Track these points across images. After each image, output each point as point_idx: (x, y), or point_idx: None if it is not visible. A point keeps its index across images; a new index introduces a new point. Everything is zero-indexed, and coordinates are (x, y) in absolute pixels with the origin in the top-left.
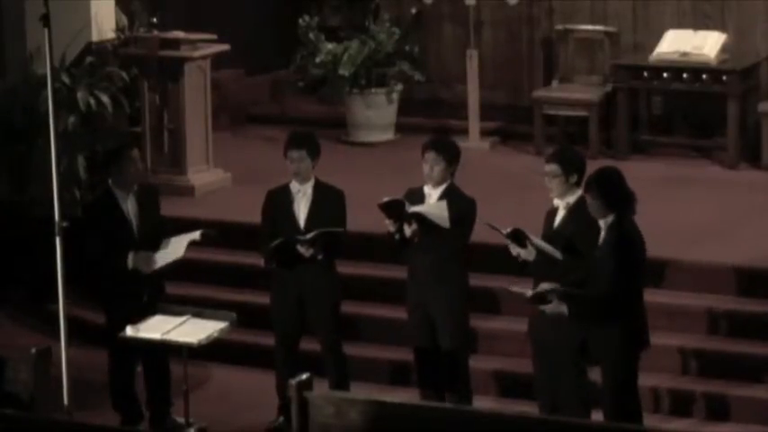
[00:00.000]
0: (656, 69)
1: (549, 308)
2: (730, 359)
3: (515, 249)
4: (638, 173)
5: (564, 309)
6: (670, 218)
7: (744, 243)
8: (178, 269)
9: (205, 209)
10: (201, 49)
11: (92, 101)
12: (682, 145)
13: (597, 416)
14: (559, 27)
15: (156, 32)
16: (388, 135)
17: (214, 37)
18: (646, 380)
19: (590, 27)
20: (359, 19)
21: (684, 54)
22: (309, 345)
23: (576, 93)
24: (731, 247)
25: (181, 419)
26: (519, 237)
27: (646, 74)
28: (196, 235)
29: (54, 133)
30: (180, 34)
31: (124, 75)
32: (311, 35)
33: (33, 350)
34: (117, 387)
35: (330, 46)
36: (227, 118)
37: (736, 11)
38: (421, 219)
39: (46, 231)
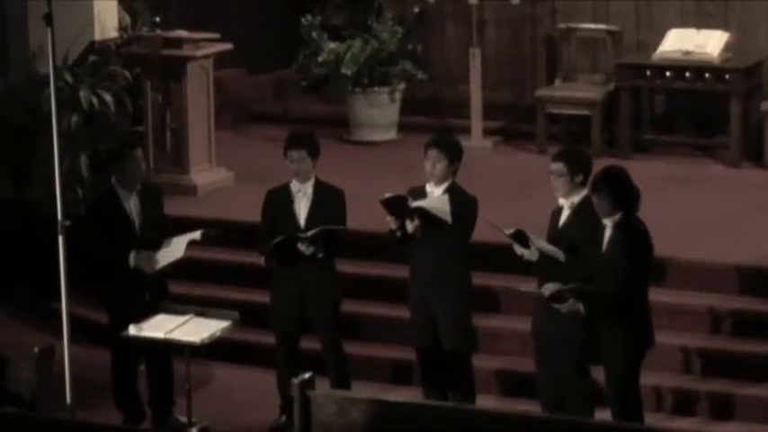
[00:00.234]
0: (659, 68)
1: (564, 306)
2: (733, 358)
3: (519, 249)
4: (640, 172)
5: (580, 307)
6: (672, 217)
7: (746, 242)
8: (181, 268)
9: (208, 208)
10: (204, 48)
11: (94, 100)
12: (684, 144)
13: (599, 414)
14: (562, 26)
15: (158, 31)
16: (391, 134)
17: (217, 36)
18: (648, 379)
19: (593, 26)
20: (362, 18)
21: (687, 53)
22: (310, 343)
23: (579, 92)
24: (734, 246)
25: (183, 418)
26: (522, 237)
27: (648, 73)
28: (197, 235)
29: (57, 132)
30: (183, 33)
31: (127, 74)
32: (314, 34)
33: (36, 349)
34: (119, 386)
35: (333, 45)
36: (229, 117)
37: (740, 10)
38: (423, 214)
39: (49, 230)
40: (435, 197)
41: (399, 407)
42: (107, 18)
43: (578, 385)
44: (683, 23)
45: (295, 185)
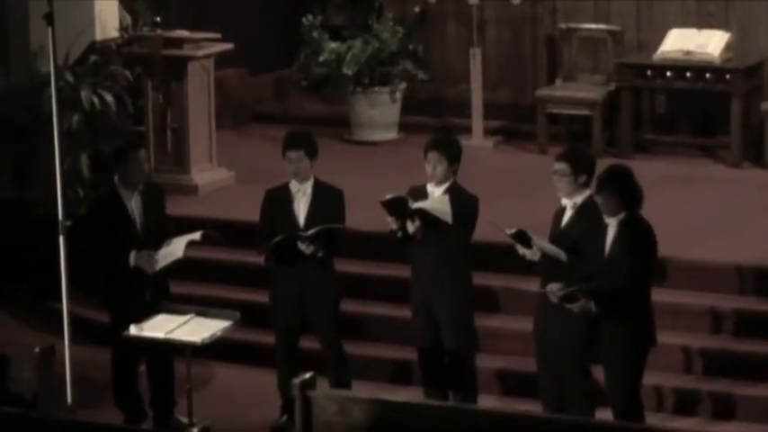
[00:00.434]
0: (660, 68)
1: (576, 306)
2: (734, 358)
3: (521, 249)
4: (641, 171)
5: (592, 306)
6: (673, 216)
7: (747, 241)
8: (182, 268)
9: (208, 208)
10: (205, 48)
11: (95, 100)
12: (685, 144)
13: (600, 414)
14: (563, 26)
15: (159, 31)
16: (392, 134)
17: (218, 36)
18: (649, 379)
19: (593, 26)
20: (362, 18)
21: (688, 53)
22: (310, 343)
23: (580, 91)
24: (734, 246)
25: (184, 419)
26: (523, 237)
27: (649, 73)
28: (196, 236)
29: (58, 132)
30: (183, 33)
31: (128, 74)
32: (315, 34)
33: (37, 349)
34: (120, 385)
35: (334, 45)
36: (230, 117)
37: (740, 9)
38: (424, 214)
39: (49, 230)
40: (436, 198)
41: (400, 407)
42: (108, 18)
43: (580, 385)
44: (684, 23)
45: (294, 185)
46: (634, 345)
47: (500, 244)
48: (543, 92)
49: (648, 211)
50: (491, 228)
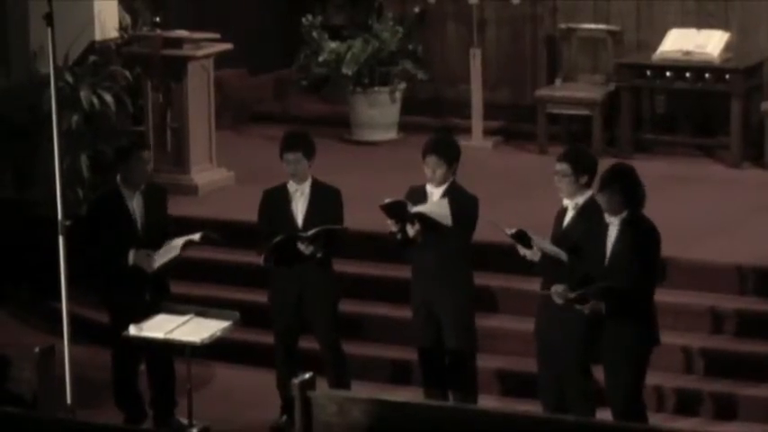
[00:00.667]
0: (660, 68)
1: (587, 307)
2: (735, 358)
3: (522, 250)
4: (641, 172)
5: (602, 307)
6: (673, 216)
7: (747, 241)
8: (181, 268)
9: (208, 208)
10: (205, 47)
11: (95, 100)
12: (685, 144)
13: (600, 415)
14: (563, 26)
15: (159, 31)
16: (392, 134)
17: (217, 36)
18: (650, 379)
19: (593, 26)
20: (362, 18)
21: (687, 53)
22: (309, 343)
23: (580, 92)
24: (734, 246)
25: (184, 419)
26: (523, 237)
27: (649, 73)
28: (196, 236)
29: (57, 132)
30: (183, 33)
31: (127, 74)
32: (314, 34)
33: (37, 349)
34: (120, 386)
35: (333, 45)
36: (230, 117)
37: (740, 9)
38: (423, 218)
39: (49, 230)
40: (435, 202)
41: (400, 407)
42: (107, 18)
43: (581, 385)
44: (684, 23)
45: (292, 185)
46: (637, 345)
47: (500, 244)
48: (543, 92)
49: (648, 211)
50: (491, 227)
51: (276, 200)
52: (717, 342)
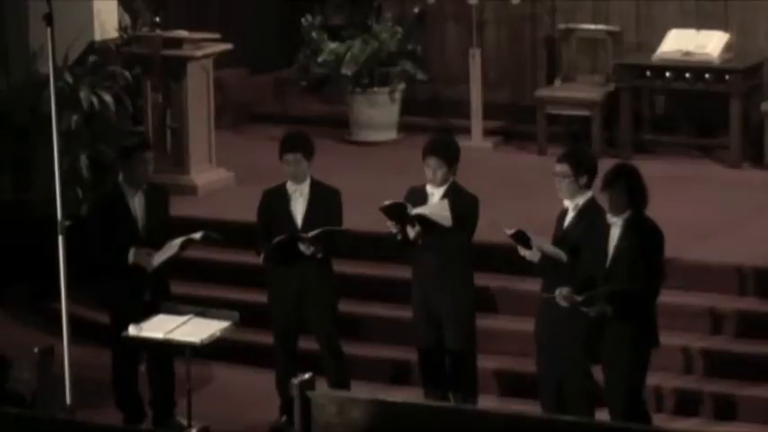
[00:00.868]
0: (659, 68)
1: (593, 309)
2: (735, 359)
3: (522, 250)
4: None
5: (608, 309)
6: (673, 217)
7: (747, 242)
8: (181, 268)
9: (208, 208)
10: (204, 48)
11: (94, 100)
12: (684, 144)
13: (600, 415)
14: (562, 26)
15: (158, 31)
16: (391, 134)
17: (217, 36)
18: (649, 379)
19: (592, 26)
20: (361, 18)
21: (687, 53)
22: (309, 343)
23: (579, 92)
24: (734, 246)
25: (184, 419)
26: (523, 238)
27: (648, 73)
28: (197, 235)
29: (57, 132)
30: (183, 33)
31: (127, 74)
32: (314, 34)
33: (36, 349)
34: (120, 386)
35: (333, 45)
36: (229, 117)
37: (740, 10)
38: (424, 220)
39: (49, 230)
40: (435, 203)
41: (399, 407)
42: (107, 18)
43: (581, 386)
44: (683, 24)
45: (291, 186)
46: (637, 346)
47: (500, 244)
48: (542, 92)
49: (648, 211)
50: (492, 227)
51: (275, 200)
52: (716, 342)
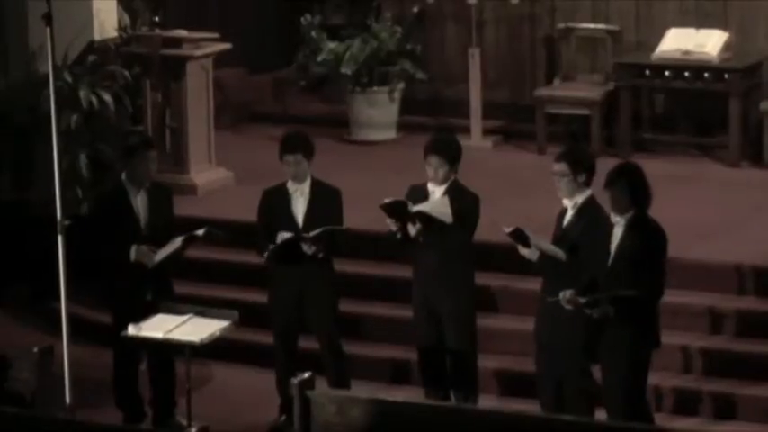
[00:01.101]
0: (658, 68)
1: (597, 311)
2: (734, 358)
3: (521, 249)
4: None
5: (611, 310)
6: (672, 216)
7: (746, 241)
8: (181, 268)
9: (207, 208)
10: (204, 47)
11: (94, 99)
12: (684, 143)
13: (600, 415)
14: (561, 25)
15: (158, 31)
16: (390, 134)
17: (216, 36)
18: (649, 379)
19: (592, 26)
20: (361, 17)
21: (686, 52)
22: (309, 343)
23: (578, 91)
24: (734, 246)
25: (183, 419)
26: (521, 236)
27: (648, 72)
28: (199, 232)
29: (56, 132)
30: (182, 33)
31: (126, 73)
32: (313, 34)
33: (35, 348)
34: (120, 385)
35: (332, 44)
36: (229, 117)
37: (739, 9)
38: (424, 217)
39: (49, 230)
40: (436, 200)
41: (399, 407)
42: (106, 18)
43: (580, 386)
44: (683, 23)
45: (292, 185)
46: (637, 347)
47: (500, 243)
48: (542, 92)
49: (649, 211)
50: (492, 226)
51: (276, 200)
52: (716, 342)
